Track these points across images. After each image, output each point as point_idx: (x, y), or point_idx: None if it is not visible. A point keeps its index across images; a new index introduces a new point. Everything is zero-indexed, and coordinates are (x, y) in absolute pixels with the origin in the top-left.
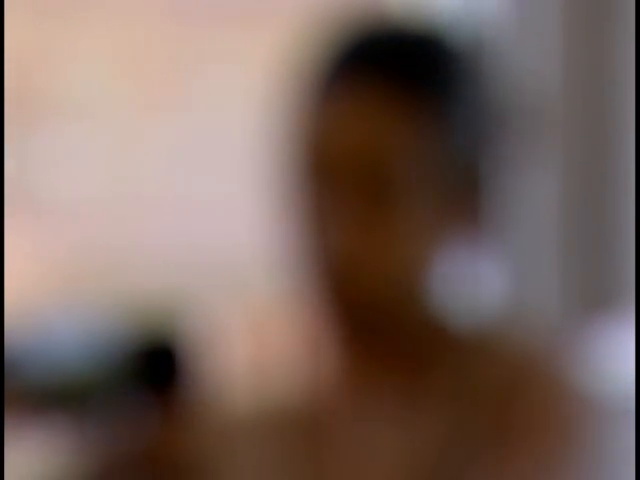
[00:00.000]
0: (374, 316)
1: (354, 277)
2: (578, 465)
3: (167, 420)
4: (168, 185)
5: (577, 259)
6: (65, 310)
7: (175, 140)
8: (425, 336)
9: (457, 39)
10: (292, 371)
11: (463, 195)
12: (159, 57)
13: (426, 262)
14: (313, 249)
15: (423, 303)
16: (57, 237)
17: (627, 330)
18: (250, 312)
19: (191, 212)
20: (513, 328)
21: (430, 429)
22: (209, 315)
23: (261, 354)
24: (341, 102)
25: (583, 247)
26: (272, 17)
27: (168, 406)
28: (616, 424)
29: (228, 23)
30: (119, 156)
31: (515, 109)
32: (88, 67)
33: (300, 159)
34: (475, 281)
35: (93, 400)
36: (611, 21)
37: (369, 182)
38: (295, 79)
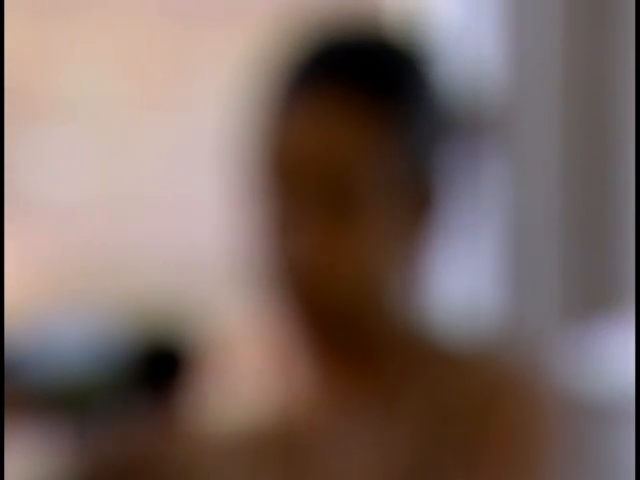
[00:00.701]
0: (341, 324)
1: (316, 282)
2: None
3: (164, 425)
4: (166, 185)
5: (577, 259)
6: (67, 313)
7: (173, 140)
8: (397, 346)
9: (421, 47)
10: (266, 385)
11: (425, 201)
12: (158, 57)
13: (389, 268)
14: (276, 254)
15: (390, 311)
16: (56, 239)
17: (627, 330)
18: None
19: (189, 212)
20: (496, 340)
21: (404, 444)
22: (208, 317)
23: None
24: (303, 109)
25: (583, 247)
26: (272, 17)
27: (168, 409)
28: (614, 425)
29: (228, 23)
30: (117, 156)
31: (483, 115)
32: (87, 67)
33: (264, 163)
34: (443, 289)
35: (95, 402)
36: (611, 25)
37: (330, 188)
38: (263, 83)
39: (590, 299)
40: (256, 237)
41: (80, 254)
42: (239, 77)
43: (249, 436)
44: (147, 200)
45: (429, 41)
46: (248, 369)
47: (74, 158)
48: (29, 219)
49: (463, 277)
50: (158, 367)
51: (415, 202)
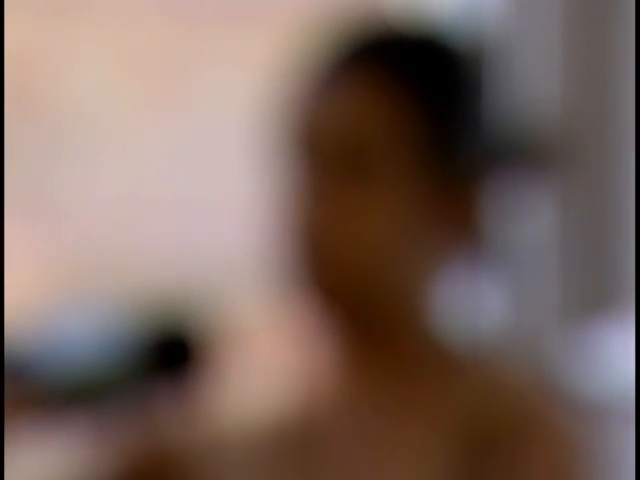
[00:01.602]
0: (359, 301)
1: (333, 251)
2: None
3: (180, 415)
4: (168, 184)
5: (577, 260)
6: (77, 308)
7: (176, 140)
8: (415, 333)
9: (455, 40)
10: (286, 377)
11: (448, 193)
12: (159, 57)
13: (407, 249)
14: (296, 228)
15: (410, 295)
16: (63, 236)
17: (627, 330)
18: (246, 314)
19: (193, 211)
20: (508, 352)
21: (430, 438)
22: (221, 305)
23: (256, 359)
24: (333, 86)
25: (583, 247)
26: (272, 17)
27: (183, 399)
28: (614, 425)
29: (228, 23)
30: (120, 155)
31: (513, 122)
32: (88, 67)
33: (292, 138)
34: (468, 291)
35: (111, 395)
36: (612, 28)
37: (352, 160)
38: (292, 73)
39: (590, 299)
40: (276, 217)
41: (89, 251)
42: (256, 76)
43: (268, 426)
44: (147, 198)
45: (472, 38)
46: (264, 357)
47: (78, 158)
48: (35, 218)
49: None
50: (171, 356)
51: (440, 190)
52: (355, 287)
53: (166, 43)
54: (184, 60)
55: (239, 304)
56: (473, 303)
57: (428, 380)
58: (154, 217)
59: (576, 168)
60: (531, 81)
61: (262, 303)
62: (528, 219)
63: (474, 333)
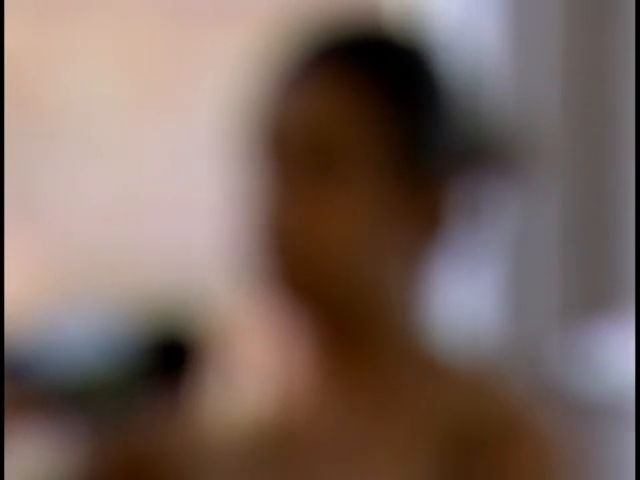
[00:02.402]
0: (331, 302)
1: (302, 251)
2: None
3: (175, 416)
4: (165, 185)
5: (577, 259)
6: (75, 311)
7: (173, 140)
8: (393, 335)
9: (426, 39)
10: (264, 378)
11: (420, 192)
12: (157, 58)
13: (377, 248)
14: (267, 228)
15: (385, 296)
16: (61, 238)
17: (627, 330)
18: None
19: (188, 210)
20: (508, 352)
21: (407, 446)
22: (213, 310)
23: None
24: (300, 82)
25: (583, 247)
26: (272, 17)
27: (178, 400)
28: (614, 425)
29: (229, 24)
30: (118, 155)
31: (501, 123)
32: (88, 67)
33: (260, 138)
34: (464, 292)
35: (107, 396)
36: (611, 28)
37: (320, 156)
38: (260, 73)
39: (590, 299)
40: (245, 218)
41: (85, 253)
42: (238, 73)
43: (247, 427)
44: (146, 199)
45: (431, 35)
46: (251, 361)
47: (78, 158)
48: (33, 219)
49: (463, 277)
50: (167, 359)
51: (409, 189)
52: (324, 287)
53: (164, 44)
54: (181, 61)
55: (227, 305)
56: (472, 303)
57: (407, 380)
58: (151, 218)
59: (576, 168)
60: (531, 81)
61: (243, 304)
62: (501, 218)
63: (471, 334)
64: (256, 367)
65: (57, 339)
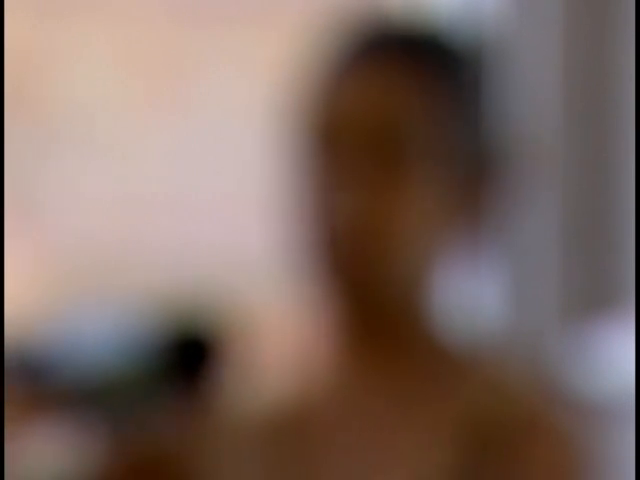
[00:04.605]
0: (381, 301)
1: (360, 246)
2: None
3: (196, 415)
4: (170, 184)
5: (577, 259)
6: (93, 309)
7: (178, 140)
8: (423, 338)
9: (459, 38)
10: (290, 370)
11: (469, 183)
12: (160, 57)
13: (435, 242)
14: (320, 222)
15: (420, 287)
16: (76, 236)
17: (627, 330)
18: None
19: (198, 211)
20: (508, 351)
21: (428, 433)
22: (235, 305)
23: (264, 354)
24: (358, 72)
25: (583, 247)
26: (272, 17)
27: (199, 399)
28: (614, 425)
29: (229, 24)
30: (122, 156)
31: (513, 120)
32: (88, 67)
33: (314, 129)
34: (469, 289)
35: (128, 396)
36: (611, 27)
37: (380, 148)
38: (304, 69)
39: (590, 299)
40: (295, 213)
41: (85, 253)
42: (257, 76)
43: (268, 414)
44: (147, 198)
45: (474, 37)
46: (275, 357)
47: (79, 158)
48: (34, 218)
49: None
50: (187, 356)
51: (462, 187)
52: (379, 279)
53: (165, 44)
54: (184, 60)
55: (253, 301)
56: (473, 301)
57: (429, 372)
58: (152, 217)
59: (576, 168)
60: (531, 81)
61: (276, 299)
62: (523, 219)
63: (474, 331)
64: (276, 364)
65: (75, 339)
